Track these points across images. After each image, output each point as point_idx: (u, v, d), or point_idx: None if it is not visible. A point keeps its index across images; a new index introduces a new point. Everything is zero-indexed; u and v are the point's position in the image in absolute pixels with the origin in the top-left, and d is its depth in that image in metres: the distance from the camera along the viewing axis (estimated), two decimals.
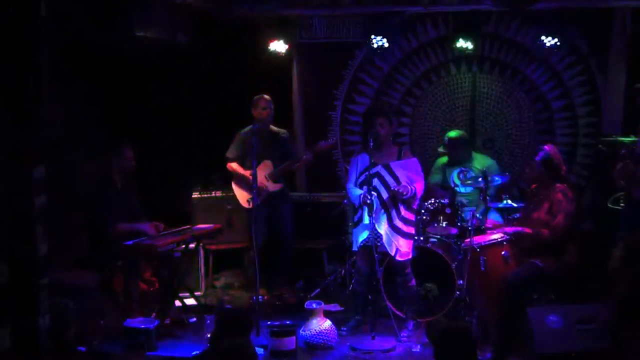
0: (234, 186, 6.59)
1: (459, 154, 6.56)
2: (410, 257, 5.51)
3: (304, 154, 6.49)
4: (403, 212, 5.47)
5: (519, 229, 5.22)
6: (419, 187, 5.46)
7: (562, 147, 7.31)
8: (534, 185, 5.41)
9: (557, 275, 5.05)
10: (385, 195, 5.47)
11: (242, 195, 6.50)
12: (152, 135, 7.05)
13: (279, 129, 6.68)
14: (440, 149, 6.80)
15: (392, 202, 5.45)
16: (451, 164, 6.60)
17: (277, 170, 6.47)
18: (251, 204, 5.98)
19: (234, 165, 6.52)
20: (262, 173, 6.38)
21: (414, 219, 5.55)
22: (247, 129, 6.47)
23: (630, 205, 5.30)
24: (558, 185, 5.15)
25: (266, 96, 6.50)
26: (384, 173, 5.47)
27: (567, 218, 5.03)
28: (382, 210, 5.45)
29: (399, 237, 5.45)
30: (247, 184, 6.24)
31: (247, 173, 6.26)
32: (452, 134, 6.64)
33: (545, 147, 5.26)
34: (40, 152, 3.17)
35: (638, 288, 3.39)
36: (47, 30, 3.17)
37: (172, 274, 6.04)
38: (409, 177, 5.46)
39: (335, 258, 6.99)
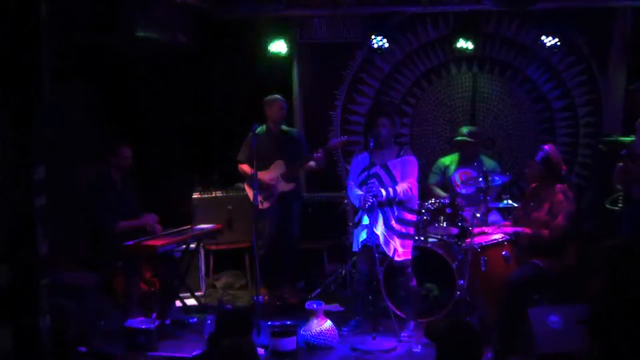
0: (246, 187, 6.60)
1: (475, 151, 6.48)
2: (409, 257, 5.50)
3: (315, 152, 6.46)
4: (397, 212, 5.45)
5: (519, 229, 5.21)
6: (406, 187, 5.39)
7: (562, 147, 7.32)
8: (533, 185, 5.40)
9: (558, 276, 5.04)
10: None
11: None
12: (152, 135, 7.05)
13: (290, 128, 6.70)
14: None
15: (387, 203, 5.45)
16: (462, 163, 6.48)
17: (290, 170, 6.48)
18: (264, 204, 5.95)
19: (245, 167, 6.53)
20: (276, 173, 6.41)
21: (410, 219, 5.53)
22: (258, 129, 6.43)
23: (631, 206, 5.30)
24: (559, 185, 5.14)
25: (279, 96, 6.52)
26: (381, 174, 5.45)
27: (567, 218, 5.02)
28: (379, 211, 5.44)
29: (395, 237, 5.43)
30: (260, 186, 6.19)
31: (261, 175, 6.22)
32: (467, 129, 6.52)
33: (545, 147, 5.25)
34: (40, 152, 3.16)
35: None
36: (47, 30, 3.16)
37: (173, 274, 6.04)
38: (402, 174, 5.45)
39: (336, 258, 6.98)
